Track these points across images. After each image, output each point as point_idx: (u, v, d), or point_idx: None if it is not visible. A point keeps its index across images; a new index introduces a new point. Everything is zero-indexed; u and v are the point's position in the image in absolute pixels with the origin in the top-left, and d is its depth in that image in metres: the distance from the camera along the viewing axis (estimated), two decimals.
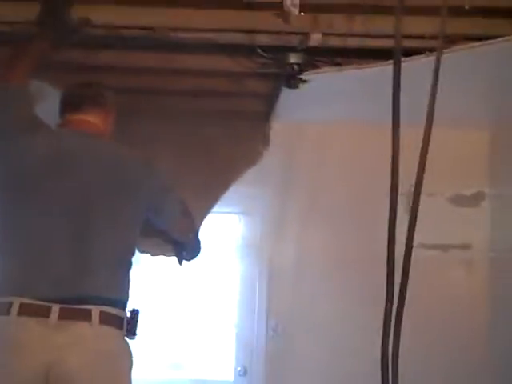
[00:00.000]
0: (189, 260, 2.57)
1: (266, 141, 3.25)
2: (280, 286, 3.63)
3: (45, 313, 1.93)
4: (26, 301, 1.94)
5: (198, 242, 2.52)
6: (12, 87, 2.18)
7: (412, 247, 1.62)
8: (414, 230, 1.62)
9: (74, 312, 1.95)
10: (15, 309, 1.93)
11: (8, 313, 1.94)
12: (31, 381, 1.92)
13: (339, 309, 3.51)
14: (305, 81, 2.65)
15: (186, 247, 2.48)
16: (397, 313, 1.69)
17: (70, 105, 2.24)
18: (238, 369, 3.69)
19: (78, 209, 2.04)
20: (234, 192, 3.18)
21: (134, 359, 2.09)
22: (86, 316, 1.96)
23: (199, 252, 2.53)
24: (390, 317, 1.70)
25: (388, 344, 1.69)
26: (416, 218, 1.70)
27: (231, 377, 3.72)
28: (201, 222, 2.90)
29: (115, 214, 2.09)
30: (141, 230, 2.19)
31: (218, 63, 2.66)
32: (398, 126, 1.61)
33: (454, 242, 3.66)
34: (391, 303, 1.67)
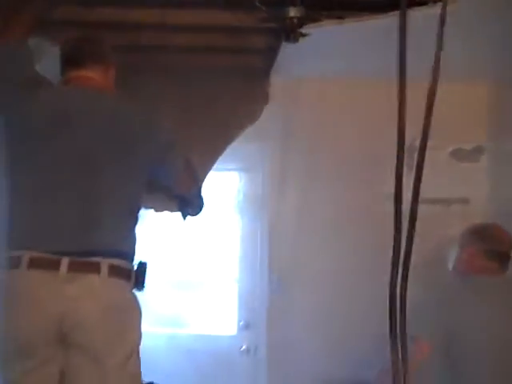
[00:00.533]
0: (192, 215, 2.58)
1: (265, 97, 3.23)
2: (281, 241, 3.66)
3: (54, 265, 1.97)
4: (36, 254, 1.98)
5: (201, 197, 2.53)
6: (10, 46, 2.17)
7: (418, 195, 1.63)
8: (420, 182, 1.62)
9: (83, 264, 1.99)
10: (25, 262, 1.97)
11: (18, 266, 1.98)
12: (44, 329, 1.97)
13: (341, 263, 3.53)
14: (305, 35, 2.62)
15: (189, 203, 2.49)
16: (405, 255, 1.72)
17: (70, 61, 2.22)
18: (241, 323, 3.74)
19: (83, 165, 2.06)
20: (234, 149, 3.18)
21: (141, 311, 2.12)
22: (95, 268, 2.00)
23: (202, 207, 2.55)
24: (397, 260, 1.72)
25: (396, 289, 1.72)
26: (422, 170, 1.70)
27: (234, 331, 3.78)
28: (203, 179, 2.91)
29: (119, 169, 2.10)
30: (146, 186, 2.21)
31: (216, 18, 2.64)
32: (405, 80, 1.60)
33: (454, 196, 3.68)
34: (399, 246, 1.68)
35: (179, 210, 2.56)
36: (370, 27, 2.55)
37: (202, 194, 2.53)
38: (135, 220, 2.17)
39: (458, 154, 3.72)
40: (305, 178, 3.62)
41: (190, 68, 3.09)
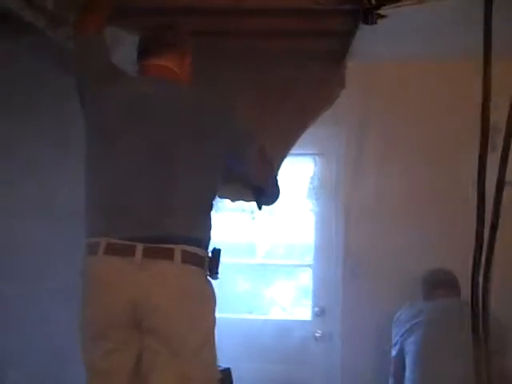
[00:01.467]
0: (268, 205, 2.57)
1: (341, 81, 3.17)
2: (357, 226, 3.62)
3: (130, 252, 1.99)
4: (112, 241, 2.01)
5: (277, 186, 2.51)
6: (88, 36, 2.20)
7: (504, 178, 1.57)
8: (506, 165, 1.56)
9: (158, 251, 2.00)
10: (102, 248, 2.01)
11: (96, 253, 2.02)
12: (121, 313, 2.00)
13: (417, 249, 3.48)
14: (383, 16, 2.56)
15: (264, 192, 2.47)
16: (488, 246, 1.66)
17: (146, 50, 2.22)
18: (316, 309, 3.72)
19: (158, 154, 2.06)
20: (309, 133, 3.13)
21: (216, 298, 2.13)
22: (169, 254, 2.00)
23: (278, 196, 2.53)
24: (480, 251, 1.66)
25: (479, 280, 1.66)
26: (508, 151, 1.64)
27: (309, 317, 3.77)
28: (279, 167, 2.89)
29: (195, 158, 2.10)
30: (222, 176, 2.20)
31: (292, 1, 2.60)
32: (490, 62, 1.54)
33: None
34: (481, 238, 1.63)
35: (255, 200, 2.55)
36: (453, 5, 2.46)
37: (278, 182, 2.51)
38: (210, 208, 2.17)
39: None
40: (381, 163, 3.56)
41: (265, 53, 3.06)
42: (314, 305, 3.75)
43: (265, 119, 2.82)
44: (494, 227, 1.70)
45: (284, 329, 3.67)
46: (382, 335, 3.45)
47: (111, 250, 2.01)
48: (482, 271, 1.83)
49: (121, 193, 2.06)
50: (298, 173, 3.67)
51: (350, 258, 3.61)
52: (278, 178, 2.55)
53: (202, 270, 2.09)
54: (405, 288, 3.47)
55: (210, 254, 2.14)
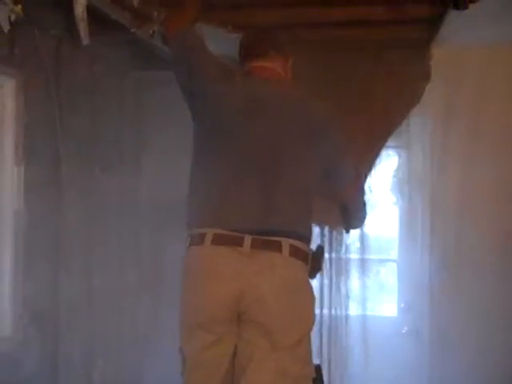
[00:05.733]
0: (355, 227, 2.55)
1: (427, 74, 3.06)
2: (443, 219, 3.51)
3: (238, 242, 2.00)
4: (220, 231, 2.02)
5: (365, 209, 2.49)
6: (187, 33, 2.21)
7: None
8: None
9: (266, 242, 2.00)
10: (209, 238, 2.01)
11: (202, 242, 2.02)
12: (226, 304, 1.99)
13: (505, 242, 3.36)
14: (475, 1, 2.47)
15: (352, 213, 2.44)
16: None
17: (252, 52, 2.24)
18: (402, 305, 3.64)
19: (267, 153, 2.07)
20: None
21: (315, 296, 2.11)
22: (277, 247, 2.00)
23: (364, 219, 2.50)
24: None
25: None
26: None
27: (394, 312, 3.69)
28: (365, 182, 2.78)
29: (300, 159, 2.10)
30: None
31: None
32: None
33: None
34: None
35: (342, 221, 2.51)
36: None
37: (366, 203, 2.47)
38: (311, 207, 2.16)
39: None
40: (467, 155, 3.44)
41: (348, 46, 2.98)
42: (400, 301, 3.66)
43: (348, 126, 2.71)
44: None
45: (370, 324, 3.60)
46: (469, 333, 3.35)
47: (219, 239, 2.01)
48: None
49: (229, 188, 2.07)
50: (382, 166, 3.57)
51: (437, 253, 3.51)
52: (366, 200, 2.50)
53: (306, 265, 2.08)
54: (495, 284, 3.36)
55: (314, 251, 2.13)
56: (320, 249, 2.16)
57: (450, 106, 3.43)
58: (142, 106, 3.14)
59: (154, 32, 2.55)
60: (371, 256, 3.66)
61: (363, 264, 3.66)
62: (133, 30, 2.50)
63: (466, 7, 2.47)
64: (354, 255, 3.70)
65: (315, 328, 2.23)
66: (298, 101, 2.18)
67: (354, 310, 3.68)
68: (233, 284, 1.97)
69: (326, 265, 3.56)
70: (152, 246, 3.26)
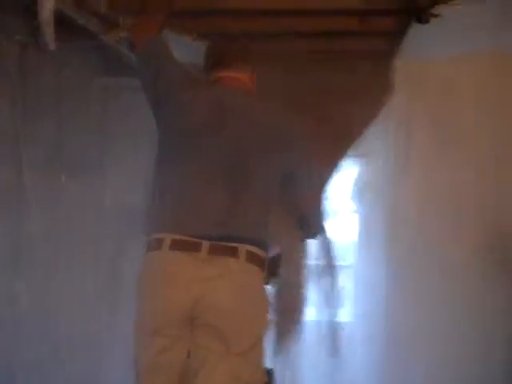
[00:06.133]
0: (311, 237, 2.58)
1: (390, 86, 3.09)
2: (400, 228, 3.56)
3: (196, 248, 2.03)
4: (178, 237, 2.04)
5: (321, 219, 2.52)
6: (154, 40, 2.20)
7: None
8: None
9: (223, 248, 2.04)
10: (167, 244, 2.04)
11: (159, 248, 2.05)
12: (181, 309, 2.01)
13: (463, 254, 3.42)
14: (437, 15, 2.52)
15: (307, 222, 2.47)
16: None
17: (219, 61, 2.26)
18: (358, 311, 3.68)
19: (229, 161, 2.11)
20: None
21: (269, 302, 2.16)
22: (234, 252, 2.04)
23: (320, 230, 2.53)
24: None
25: None
26: None
27: (351, 318, 3.73)
28: (324, 192, 2.79)
29: (263, 168, 2.14)
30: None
31: (343, 1, 2.57)
32: None
33: None
34: None
35: (300, 229, 2.54)
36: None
37: (323, 214, 2.50)
38: (269, 213, 2.19)
39: None
40: (427, 164, 3.51)
41: (311, 56, 2.99)
42: (356, 306, 3.70)
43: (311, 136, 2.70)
44: None
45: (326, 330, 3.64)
46: (424, 339, 3.41)
47: (177, 245, 2.03)
48: None
49: (189, 194, 2.10)
50: (343, 174, 3.61)
51: (393, 261, 3.56)
52: (323, 207, 2.53)
53: (262, 271, 2.12)
54: (451, 291, 3.42)
55: (270, 257, 2.17)
56: (277, 255, 2.19)
57: (412, 117, 3.49)
58: (109, 112, 3.12)
59: (120, 38, 2.53)
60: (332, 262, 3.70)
61: (320, 270, 3.70)
62: (100, 37, 2.48)
63: (427, 21, 2.53)
64: (311, 261, 3.74)
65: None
66: (264, 111, 2.21)
67: (311, 315, 3.72)
68: (189, 289, 2.00)
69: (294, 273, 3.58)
70: (116, 252, 3.24)
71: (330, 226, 3.34)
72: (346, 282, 3.72)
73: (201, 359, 2.02)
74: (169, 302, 2.02)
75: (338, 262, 3.43)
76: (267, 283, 2.20)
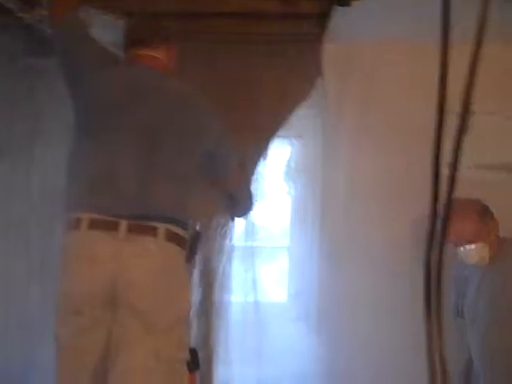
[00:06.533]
0: (240, 215, 2.60)
1: (318, 69, 3.12)
2: (333, 209, 3.60)
3: (113, 227, 2.04)
4: (96, 216, 2.05)
5: (251, 198, 2.53)
6: (70, 18, 2.19)
7: (457, 169, 1.59)
8: (459, 151, 1.57)
9: (141, 227, 2.05)
10: (85, 223, 2.04)
11: (78, 227, 2.05)
12: (100, 288, 2.03)
13: (392, 232, 3.49)
14: None
15: (237, 202, 2.50)
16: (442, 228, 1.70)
17: (138, 40, 2.26)
18: (291, 291, 3.73)
19: (147, 139, 2.13)
20: None
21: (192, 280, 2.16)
22: (153, 231, 2.06)
23: (251, 209, 2.54)
24: (433, 228, 1.69)
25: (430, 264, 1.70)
26: (462, 137, 1.65)
27: (284, 298, 3.78)
28: (252, 173, 2.81)
29: (180, 147, 2.16)
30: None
31: None
32: (447, 44, 1.52)
33: None
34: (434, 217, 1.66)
35: (228, 210, 2.56)
36: None
37: (252, 193, 2.51)
38: (191, 192, 2.21)
39: None
40: (357, 146, 3.55)
41: (238, 38, 3.00)
42: (290, 287, 3.75)
43: (236, 118, 2.69)
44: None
45: (260, 310, 3.67)
46: (356, 318, 3.48)
47: (95, 224, 2.04)
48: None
49: (106, 172, 2.10)
50: (274, 155, 3.64)
51: (326, 241, 3.61)
52: (252, 186, 2.55)
53: (182, 250, 2.14)
54: (381, 270, 3.49)
55: (190, 236, 2.21)
56: (196, 233, 2.22)
57: (341, 97, 3.53)
58: (34, 92, 3.08)
59: (42, 17, 2.51)
60: (263, 243, 3.74)
61: (254, 251, 3.73)
62: (20, 15, 2.45)
63: (348, 4, 2.57)
64: (248, 242, 3.77)
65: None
66: (180, 90, 2.24)
67: (245, 296, 3.75)
68: (107, 268, 2.01)
69: (216, 252, 3.60)
70: (42, 234, 3.22)
71: (259, 207, 3.39)
72: (280, 263, 3.77)
73: (121, 339, 2.03)
74: (88, 282, 2.03)
75: (267, 243, 3.47)
76: (188, 261, 2.22)
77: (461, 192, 3.38)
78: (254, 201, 2.60)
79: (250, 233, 3.27)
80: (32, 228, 3.16)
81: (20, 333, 3.13)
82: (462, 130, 1.61)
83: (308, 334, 3.63)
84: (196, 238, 2.24)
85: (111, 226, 2.03)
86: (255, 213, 3.27)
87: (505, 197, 3.37)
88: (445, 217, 1.69)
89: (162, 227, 2.06)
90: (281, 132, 3.39)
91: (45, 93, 3.09)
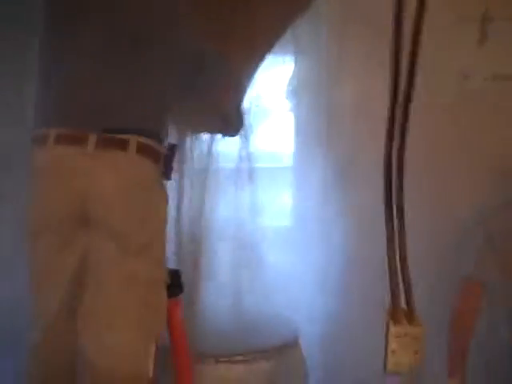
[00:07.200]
0: (231, 134, 2.46)
1: None
2: (338, 129, 3.46)
3: (82, 141, 1.92)
4: (63, 131, 1.93)
5: (241, 115, 2.38)
6: None
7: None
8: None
9: (112, 140, 1.93)
10: (52, 138, 1.93)
11: (45, 143, 1.95)
12: (70, 203, 1.93)
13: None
14: None
15: (227, 118, 2.35)
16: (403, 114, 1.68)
17: None
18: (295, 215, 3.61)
19: (118, 44, 1.97)
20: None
21: (168, 197, 2.06)
22: (123, 145, 1.93)
23: (241, 126, 2.40)
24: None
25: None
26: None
27: (289, 223, 3.66)
28: (243, 89, 2.63)
29: (154, 54, 2.01)
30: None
31: None
32: None
33: None
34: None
35: (218, 127, 2.41)
36: None
37: (243, 111, 2.36)
38: (169, 103, 2.10)
39: None
40: (364, 62, 3.35)
41: None
42: (294, 209, 3.63)
43: (223, 28, 2.44)
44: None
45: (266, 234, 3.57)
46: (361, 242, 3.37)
47: (62, 139, 1.93)
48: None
49: (73, 83, 1.96)
50: (275, 73, 3.45)
51: (332, 160, 3.47)
52: (242, 105, 2.39)
53: (157, 165, 2.02)
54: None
55: (165, 150, 2.08)
56: (172, 147, 2.09)
57: (345, 14, 3.31)
58: None
59: None
60: (264, 164, 3.59)
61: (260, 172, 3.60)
62: None
63: None
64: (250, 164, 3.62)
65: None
66: None
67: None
68: (76, 183, 1.91)
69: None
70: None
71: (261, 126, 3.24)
72: (283, 184, 3.64)
73: (95, 260, 1.94)
74: (56, 197, 1.93)
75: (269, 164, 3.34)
76: (167, 178, 2.10)
77: (477, 105, 3.27)
78: (243, 121, 2.46)
79: (246, 154, 3.12)
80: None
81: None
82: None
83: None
84: (172, 151, 2.10)
85: (79, 141, 1.91)
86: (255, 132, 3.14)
87: None
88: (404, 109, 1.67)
89: (134, 139, 1.93)
90: (282, 48, 3.19)
91: None
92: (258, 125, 3.41)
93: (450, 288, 3.11)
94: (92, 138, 1.91)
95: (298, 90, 3.47)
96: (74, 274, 1.96)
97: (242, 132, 2.52)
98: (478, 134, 3.32)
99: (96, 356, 1.94)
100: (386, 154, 1.75)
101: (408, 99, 1.74)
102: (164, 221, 2.05)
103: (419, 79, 3.29)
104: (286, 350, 2.69)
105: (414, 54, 1.70)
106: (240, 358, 2.58)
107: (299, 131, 3.59)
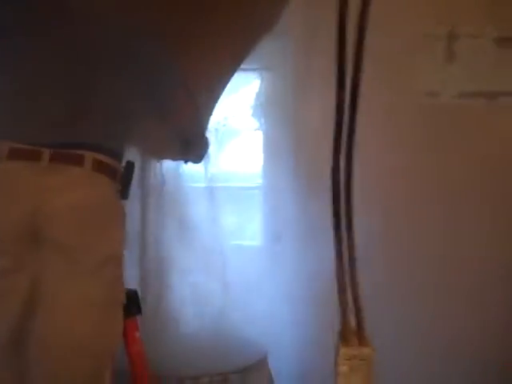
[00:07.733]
0: (194, 160, 2.40)
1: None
2: (306, 145, 3.41)
3: (35, 157, 1.85)
4: (16, 146, 1.86)
5: (205, 138, 2.33)
6: None
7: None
8: None
9: (66, 156, 1.87)
10: (4, 154, 1.85)
11: None
12: (19, 222, 1.85)
13: (370, 169, 3.30)
14: None
15: (190, 142, 2.30)
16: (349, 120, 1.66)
17: None
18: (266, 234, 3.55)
19: (75, 54, 1.91)
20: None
21: (125, 215, 2.00)
22: (79, 160, 1.87)
23: (206, 150, 2.35)
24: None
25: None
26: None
27: (259, 242, 3.59)
28: (209, 113, 2.57)
29: (115, 68, 1.96)
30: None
31: None
32: None
33: (503, 89, 3.35)
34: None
35: (180, 153, 2.36)
36: None
37: (205, 137, 2.30)
38: (127, 119, 2.04)
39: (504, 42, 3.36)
40: (330, 78, 3.32)
41: None
42: (265, 229, 3.57)
43: (190, 45, 2.40)
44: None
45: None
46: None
47: (14, 154, 1.86)
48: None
49: (29, 95, 1.90)
50: (242, 92, 3.41)
51: (300, 177, 3.42)
52: (206, 128, 2.34)
53: (113, 182, 1.96)
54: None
55: (123, 168, 2.02)
56: (131, 166, 2.03)
57: (312, 28, 3.29)
58: None
59: None
60: (233, 184, 3.54)
61: (227, 192, 3.54)
62: None
63: None
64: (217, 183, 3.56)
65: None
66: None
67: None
68: (27, 201, 1.83)
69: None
70: None
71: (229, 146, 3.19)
72: (253, 204, 3.59)
73: (46, 284, 1.85)
74: (7, 216, 1.85)
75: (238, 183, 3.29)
76: (125, 197, 2.04)
77: (445, 121, 3.25)
78: (208, 144, 2.41)
79: (211, 174, 3.08)
80: None
81: None
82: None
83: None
84: (130, 169, 2.04)
85: (33, 156, 1.84)
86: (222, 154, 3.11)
87: (486, 124, 3.25)
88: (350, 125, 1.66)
89: (89, 156, 1.87)
90: (248, 64, 3.16)
91: None
92: (226, 144, 3.39)
93: None
94: (45, 154, 1.85)
95: (265, 107, 3.43)
96: (25, 299, 1.86)
97: (205, 158, 2.46)
98: (443, 152, 3.31)
99: None
100: (333, 167, 1.71)
101: (354, 111, 1.70)
102: (120, 240, 1.99)
103: (385, 98, 3.33)
104: (252, 370, 2.62)
105: (357, 64, 1.67)
106: (206, 379, 2.50)
107: (267, 149, 3.54)
